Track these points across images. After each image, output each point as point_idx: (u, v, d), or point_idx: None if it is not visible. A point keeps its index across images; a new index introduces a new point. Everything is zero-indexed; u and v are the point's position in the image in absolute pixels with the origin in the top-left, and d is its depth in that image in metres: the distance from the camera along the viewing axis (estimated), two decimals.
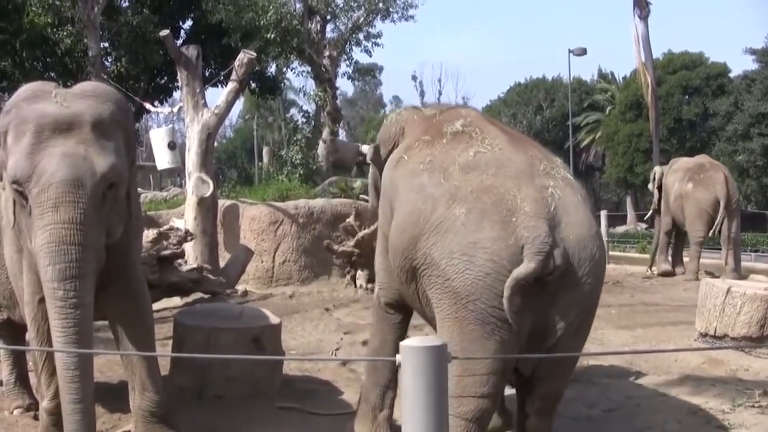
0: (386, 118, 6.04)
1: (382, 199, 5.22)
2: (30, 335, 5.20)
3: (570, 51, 36.37)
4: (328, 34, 24.96)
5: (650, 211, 17.46)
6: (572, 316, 4.21)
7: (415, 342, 2.92)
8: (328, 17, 24.51)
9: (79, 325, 4.45)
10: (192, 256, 13.02)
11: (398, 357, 2.90)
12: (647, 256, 17.34)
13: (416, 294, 4.61)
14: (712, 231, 14.49)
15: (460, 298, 4.13)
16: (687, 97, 41.66)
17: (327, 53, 23.72)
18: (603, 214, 21.23)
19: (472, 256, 4.11)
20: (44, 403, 5.27)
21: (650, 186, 16.86)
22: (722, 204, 14.27)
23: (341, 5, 24.37)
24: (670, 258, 15.73)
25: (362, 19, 24.69)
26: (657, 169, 16.86)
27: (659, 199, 15.93)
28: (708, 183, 14.59)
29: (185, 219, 13.58)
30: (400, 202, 4.74)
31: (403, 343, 2.92)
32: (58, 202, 4.44)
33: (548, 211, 4.16)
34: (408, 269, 4.54)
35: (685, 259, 15.65)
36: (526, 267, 3.97)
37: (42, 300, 4.93)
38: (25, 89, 4.92)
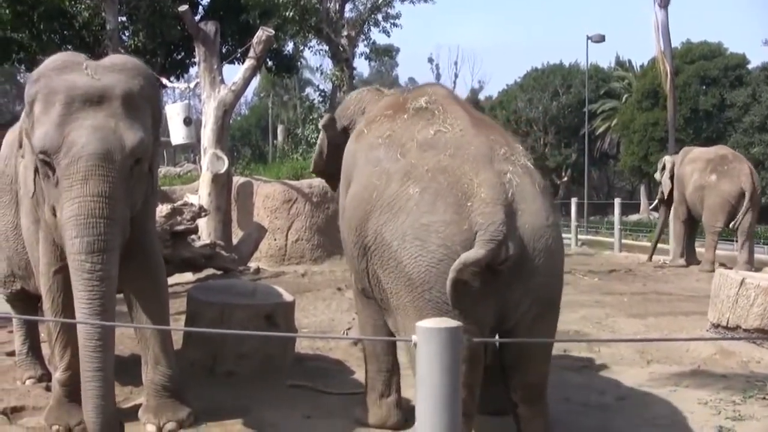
0: (348, 95, 6.03)
1: (343, 173, 5.17)
2: (45, 306, 5.22)
3: (588, 37, 36.38)
4: (347, 14, 24.98)
5: (656, 201, 17.35)
6: (525, 306, 4.16)
7: (432, 323, 2.94)
8: None
9: (104, 297, 4.46)
10: (205, 232, 13.04)
11: (414, 337, 2.92)
12: (660, 245, 17.25)
13: (366, 272, 4.55)
14: (734, 223, 14.41)
15: (415, 287, 4.09)
16: (704, 87, 41.34)
17: (345, 33, 23.70)
18: (617, 202, 21.22)
19: (424, 240, 4.06)
20: (57, 375, 5.29)
21: (657, 175, 16.65)
22: (748, 196, 14.20)
23: None
24: (684, 251, 15.65)
25: None
26: (668, 158, 16.64)
27: (671, 189, 15.82)
28: (733, 174, 14.45)
29: (199, 195, 13.58)
30: (357, 175, 4.69)
31: (419, 324, 2.94)
32: (87, 175, 4.43)
33: (505, 198, 4.09)
34: (360, 246, 4.49)
35: (700, 250, 15.61)
36: (476, 253, 3.91)
37: (57, 271, 4.97)
38: (55, 59, 4.90)
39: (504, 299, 4.11)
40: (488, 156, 4.30)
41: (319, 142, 5.85)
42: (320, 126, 5.74)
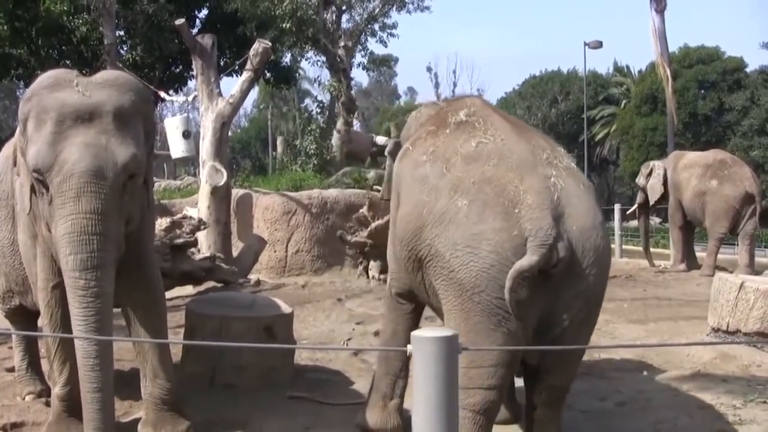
0: (409, 116, 6.11)
1: (393, 190, 5.26)
2: (43, 321, 5.23)
3: (586, 44, 36.30)
4: (344, 25, 24.93)
5: (634, 206, 17.23)
6: (577, 307, 4.23)
7: (427, 332, 2.94)
8: (344, 7, 24.46)
9: (99, 314, 4.48)
10: (205, 245, 13.05)
11: (409, 347, 2.92)
12: (660, 250, 17.20)
13: (423, 284, 4.65)
14: (740, 227, 14.35)
15: (465, 290, 4.16)
16: (703, 91, 41.31)
17: (342, 43, 23.65)
18: (617, 207, 21.11)
19: (475, 248, 4.14)
20: (56, 390, 5.29)
21: (641, 180, 16.38)
22: (757, 199, 14.16)
23: None
24: (683, 256, 15.54)
25: (377, 9, 24.68)
26: (656, 163, 16.34)
27: (662, 195, 15.67)
28: (735, 179, 14.35)
29: (198, 208, 13.60)
30: (405, 193, 4.79)
31: (414, 333, 2.95)
32: (80, 192, 4.46)
33: (551, 202, 4.17)
34: (414, 260, 4.59)
35: (701, 254, 15.55)
36: (529, 259, 3.99)
37: (55, 286, 4.97)
38: (47, 77, 4.91)
39: (555, 302, 4.19)
40: (531, 162, 4.39)
41: (386, 169, 6.02)
42: (386, 152, 5.90)
